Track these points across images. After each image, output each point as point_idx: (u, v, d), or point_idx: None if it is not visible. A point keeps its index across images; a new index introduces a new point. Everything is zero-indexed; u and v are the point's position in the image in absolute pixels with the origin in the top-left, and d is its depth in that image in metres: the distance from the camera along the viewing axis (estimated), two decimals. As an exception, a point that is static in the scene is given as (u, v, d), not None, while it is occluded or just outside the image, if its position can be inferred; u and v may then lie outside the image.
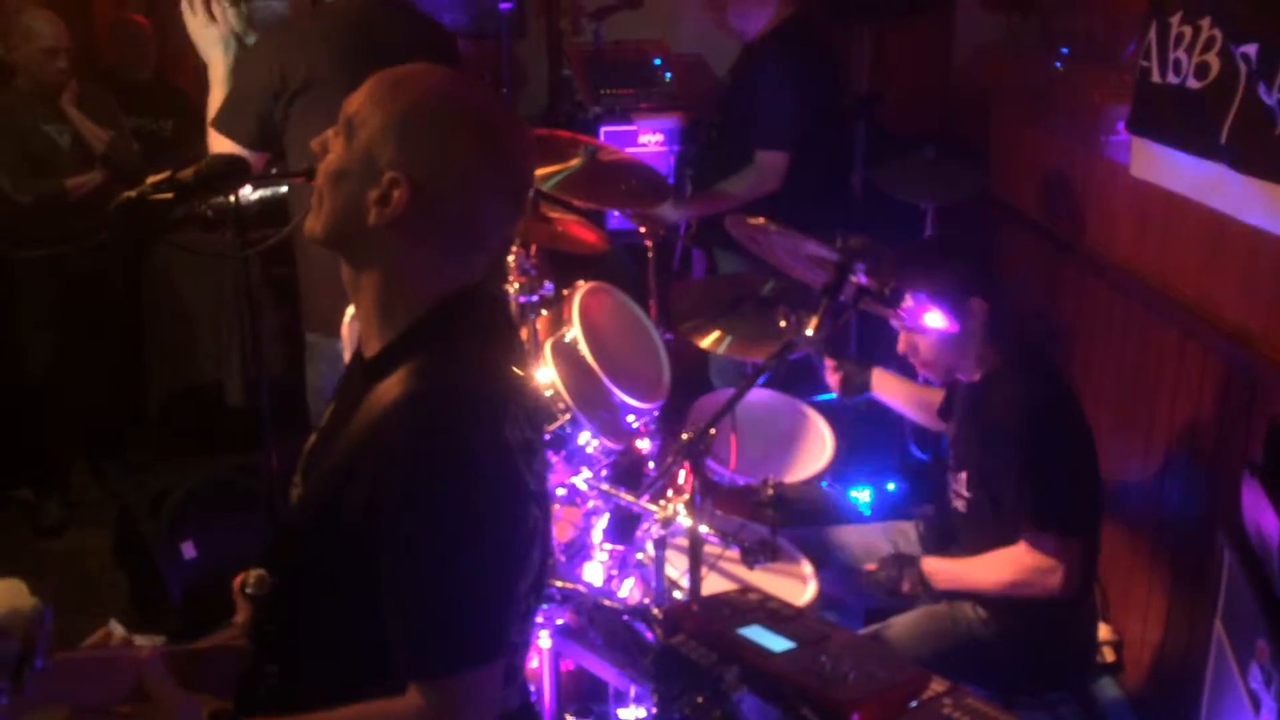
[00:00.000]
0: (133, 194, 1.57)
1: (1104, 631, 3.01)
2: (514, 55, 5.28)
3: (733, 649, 1.60)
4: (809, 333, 1.96)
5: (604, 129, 4.67)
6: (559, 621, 2.43)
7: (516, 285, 2.33)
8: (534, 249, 2.39)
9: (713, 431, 2.02)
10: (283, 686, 1.35)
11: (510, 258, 2.35)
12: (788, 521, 2.06)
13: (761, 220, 2.21)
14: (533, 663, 2.70)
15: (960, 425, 2.49)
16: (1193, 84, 2.48)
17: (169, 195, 1.55)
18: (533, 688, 2.71)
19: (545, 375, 2.56)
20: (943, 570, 2.40)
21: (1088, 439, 2.40)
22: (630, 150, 4.36)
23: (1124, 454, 3.00)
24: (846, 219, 3.75)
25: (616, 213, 4.66)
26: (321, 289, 2.58)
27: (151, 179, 1.56)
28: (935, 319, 2.12)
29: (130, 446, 4.44)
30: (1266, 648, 1.31)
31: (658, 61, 5.07)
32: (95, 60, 4.72)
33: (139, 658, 1.26)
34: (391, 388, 1.28)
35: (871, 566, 2.49)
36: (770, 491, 2.09)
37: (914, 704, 1.76)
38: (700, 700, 1.55)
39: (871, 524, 2.85)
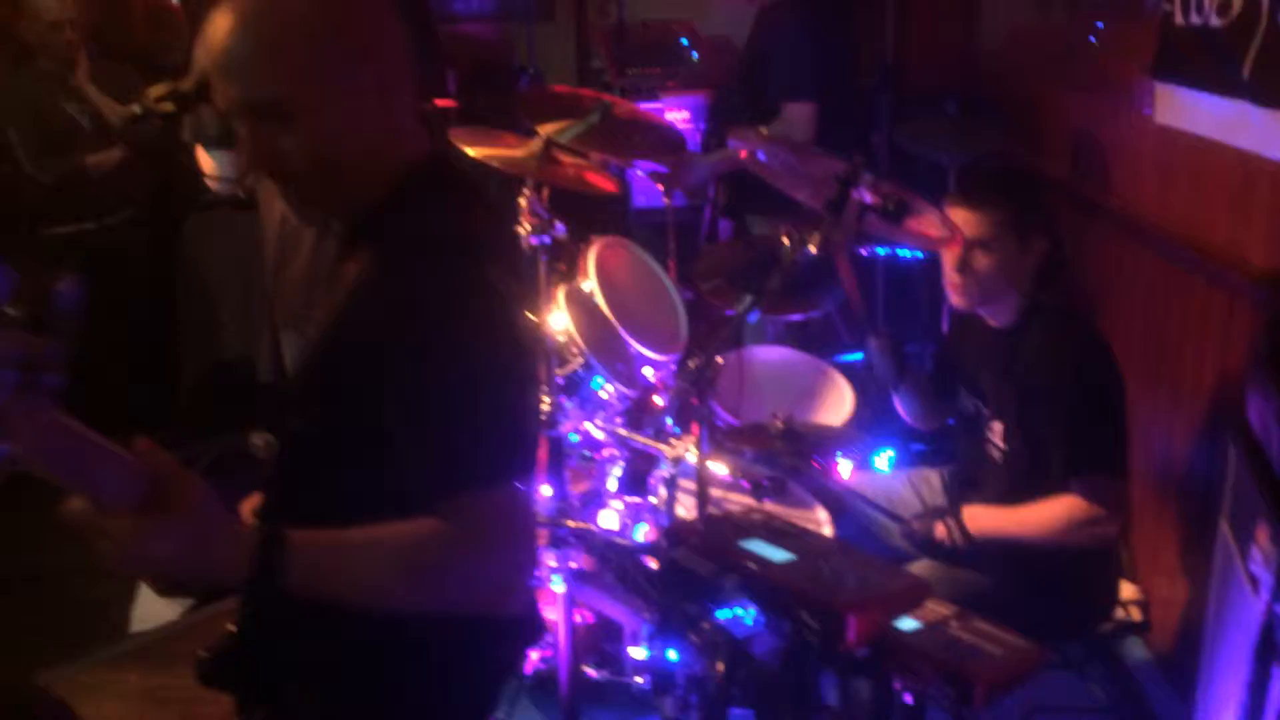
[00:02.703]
0: (138, 110, 1.59)
1: (1131, 590, 2.94)
2: (540, 39, 5.30)
3: (733, 560, 1.59)
4: (811, 249, 1.94)
5: (630, 106, 4.67)
6: (572, 565, 2.43)
7: (528, 227, 2.33)
8: (545, 193, 2.39)
9: (719, 360, 2.00)
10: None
11: (522, 200, 2.35)
12: (798, 454, 2.04)
13: (764, 130, 2.19)
14: (549, 613, 2.71)
15: (996, 376, 2.45)
16: (1215, 22, 2.44)
17: (171, 107, 1.56)
18: (548, 636, 2.71)
19: (559, 321, 2.57)
20: (984, 516, 2.36)
21: (1122, 386, 2.37)
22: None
23: (1152, 413, 2.94)
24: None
25: (642, 193, 4.68)
26: (287, 286, 2.57)
27: (154, 91, 1.57)
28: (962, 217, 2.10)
29: (161, 423, 4.49)
30: (1266, 528, 1.27)
31: (685, 41, 5.07)
32: (126, 42, 4.80)
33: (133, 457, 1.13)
34: (369, 251, 1.32)
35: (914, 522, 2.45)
36: (780, 425, 2.07)
37: (920, 625, 1.74)
38: (692, 610, 1.54)
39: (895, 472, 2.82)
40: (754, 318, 2.06)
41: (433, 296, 1.26)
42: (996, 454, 2.40)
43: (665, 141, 2.94)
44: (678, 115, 4.86)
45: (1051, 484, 2.29)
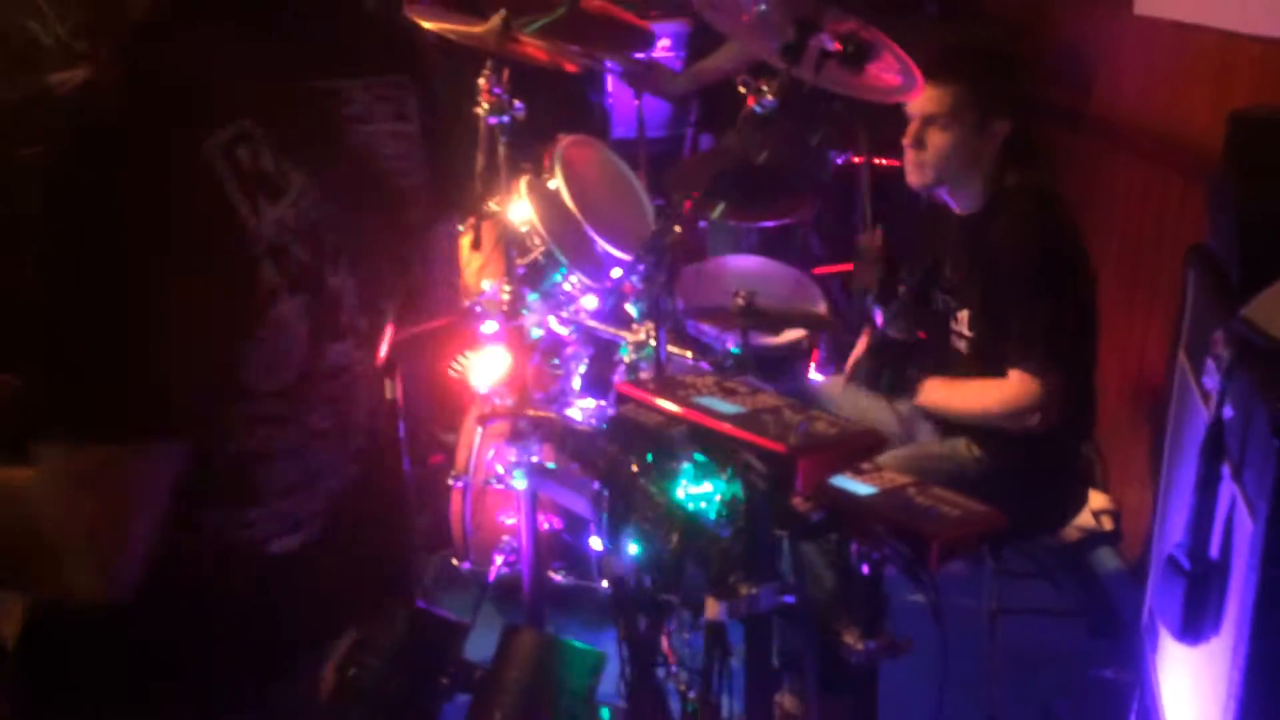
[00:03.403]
0: None
1: (1102, 500, 2.91)
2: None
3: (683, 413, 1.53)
4: (770, 96, 1.86)
5: (610, 34, 4.59)
6: (533, 459, 2.38)
7: (486, 106, 2.26)
8: (505, 73, 2.32)
9: (678, 228, 1.94)
10: None
11: (481, 80, 2.28)
12: (760, 329, 1.98)
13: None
14: (510, 519, 2.66)
15: (959, 264, 2.39)
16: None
17: None
18: (508, 538, 2.67)
19: (520, 211, 2.51)
20: (938, 390, 2.34)
21: (1089, 279, 2.31)
22: (638, 55, 4.29)
23: (1128, 322, 2.89)
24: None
25: (621, 124, 4.60)
26: None
27: None
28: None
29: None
30: (1221, 334, 1.22)
31: (667, -32, 4.97)
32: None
33: None
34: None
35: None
36: (741, 302, 2.02)
37: (876, 490, 1.69)
38: (636, 467, 1.48)
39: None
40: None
41: (89, 177, 0.93)
42: (963, 344, 2.35)
43: (634, 37, 2.88)
44: (659, 43, 4.78)
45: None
